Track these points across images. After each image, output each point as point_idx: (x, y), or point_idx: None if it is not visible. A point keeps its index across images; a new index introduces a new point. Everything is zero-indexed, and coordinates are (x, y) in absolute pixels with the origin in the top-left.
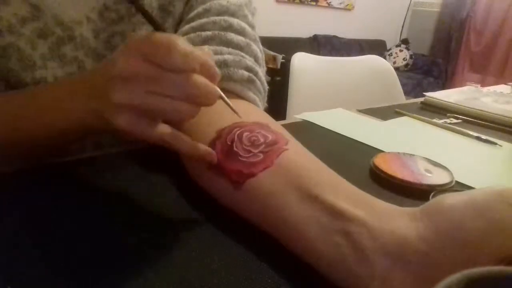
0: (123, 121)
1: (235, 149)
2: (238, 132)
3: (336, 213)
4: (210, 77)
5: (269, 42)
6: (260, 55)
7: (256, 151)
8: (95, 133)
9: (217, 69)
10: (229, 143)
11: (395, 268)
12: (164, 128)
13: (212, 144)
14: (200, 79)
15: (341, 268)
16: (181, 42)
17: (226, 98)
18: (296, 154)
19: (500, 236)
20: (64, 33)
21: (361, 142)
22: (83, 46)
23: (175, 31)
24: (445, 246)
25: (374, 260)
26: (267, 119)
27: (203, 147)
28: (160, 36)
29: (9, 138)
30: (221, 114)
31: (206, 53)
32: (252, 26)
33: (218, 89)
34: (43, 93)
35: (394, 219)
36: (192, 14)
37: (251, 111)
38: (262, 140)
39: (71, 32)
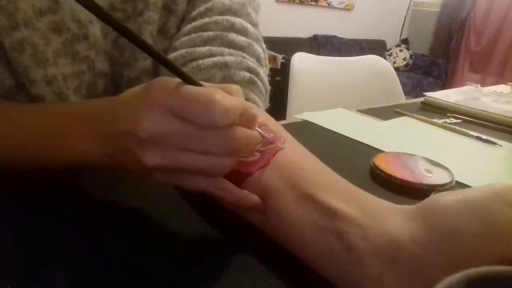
0: (160, 178)
1: None
2: None
3: (330, 213)
4: (250, 122)
5: (269, 42)
6: (263, 55)
7: None
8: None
9: (255, 112)
10: None
11: (387, 270)
12: (204, 178)
13: None
14: (240, 131)
15: (335, 267)
16: (220, 97)
17: (262, 132)
18: (293, 153)
19: (499, 238)
20: (80, 31)
21: (361, 142)
22: (95, 45)
23: (178, 30)
24: (438, 248)
25: (366, 261)
26: (266, 119)
27: (252, 199)
28: (194, 91)
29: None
30: None
31: (236, 91)
32: (255, 25)
33: (257, 129)
34: (56, 120)
35: (388, 219)
36: (194, 13)
37: None
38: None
39: (86, 31)
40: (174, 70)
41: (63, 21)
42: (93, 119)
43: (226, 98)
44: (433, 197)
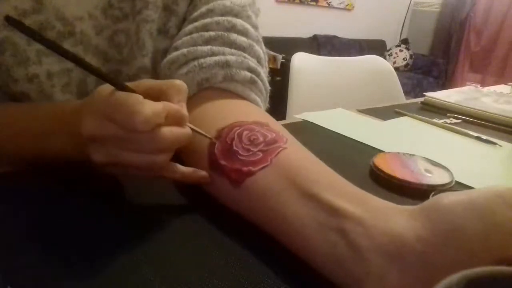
0: (111, 172)
1: (234, 148)
2: (238, 131)
3: (332, 211)
4: (178, 121)
5: (269, 42)
6: (263, 56)
7: (255, 149)
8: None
9: (184, 111)
10: (229, 142)
11: (391, 268)
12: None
13: (211, 144)
14: (167, 131)
15: (337, 266)
16: (141, 104)
17: (196, 128)
18: (295, 152)
19: (500, 238)
20: (65, 28)
21: (361, 142)
22: (83, 42)
23: (179, 30)
24: (442, 246)
25: (369, 259)
26: (267, 119)
27: (196, 174)
28: (121, 99)
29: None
30: (222, 114)
31: (176, 87)
32: (256, 27)
33: (188, 126)
34: (26, 123)
35: (391, 218)
36: (195, 14)
37: (252, 111)
38: (261, 139)
39: (71, 28)
40: (104, 77)
41: (47, 20)
42: (66, 120)
43: (149, 106)
44: (436, 197)
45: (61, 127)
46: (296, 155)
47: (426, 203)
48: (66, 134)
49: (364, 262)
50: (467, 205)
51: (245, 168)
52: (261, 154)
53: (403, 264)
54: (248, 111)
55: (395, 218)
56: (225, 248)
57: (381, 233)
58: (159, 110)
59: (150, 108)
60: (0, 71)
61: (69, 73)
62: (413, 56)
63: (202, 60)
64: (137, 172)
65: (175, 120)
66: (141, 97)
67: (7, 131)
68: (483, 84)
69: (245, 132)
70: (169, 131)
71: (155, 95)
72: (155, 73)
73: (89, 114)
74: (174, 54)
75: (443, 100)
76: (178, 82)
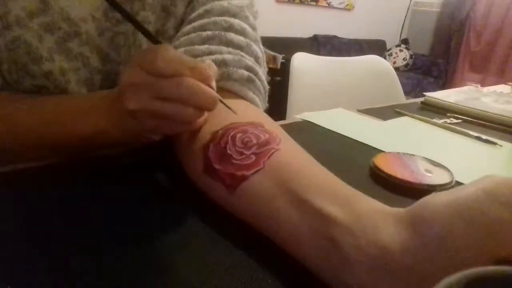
0: (145, 124)
1: (228, 151)
2: (231, 133)
3: (323, 218)
4: (204, 79)
5: (269, 42)
6: (261, 55)
7: (248, 152)
8: (112, 145)
9: (210, 72)
10: (222, 145)
11: (381, 281)
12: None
13: (206, 147)
14: (190, 81)
15: (331, 275)
16: (166, 51)
17: (221, 99)
18: (288, 154)
19: (491, 240)
20: (71, 29)
21: (361, 142)
22: (88, 42)
23: (177, 32)
24: (432, 256)
25: (358, 269)
26: (263, 118)
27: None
28: (149, 46)
29: (30, 143)
30: (217, 116)
31: (203, 64)
32: (253, 27)
33: (212, 87)
34: (66, 103)
35: (379, 226)
36: (193, 15)
37: (248, 110)
38: (254, 141)
39: (77, 28)
40: (149, 37)
41: (53, 20)
42: (99, 95)
43: (173, 52)
44: (423, 200)
45: (98, 103)
46: (289, 157)
47: (413, 207)
48: (102, 108)
49: (353, 272)
50: (454, 208)
51: (239, 173)
52: (254, 157)
53: (392, 276)
54: (245, 111)
55: (383, 225)
56: (225, 249)
57: (370, 245)
58: (182, 57)
59: (173, 53)
60: (17, 68)
61: (77, 72)
62: (413, 56)
63: (199, 59)
64: (168, 126)
65: (200, 75)
66: (169, 46)
67: (38, 113)
68: (483, 84)
69: (238, 135)
70: (193, 82)
71: None
72: None
73: (128, 66)
74: None
75: (443, 100)
76: (208, 61)
